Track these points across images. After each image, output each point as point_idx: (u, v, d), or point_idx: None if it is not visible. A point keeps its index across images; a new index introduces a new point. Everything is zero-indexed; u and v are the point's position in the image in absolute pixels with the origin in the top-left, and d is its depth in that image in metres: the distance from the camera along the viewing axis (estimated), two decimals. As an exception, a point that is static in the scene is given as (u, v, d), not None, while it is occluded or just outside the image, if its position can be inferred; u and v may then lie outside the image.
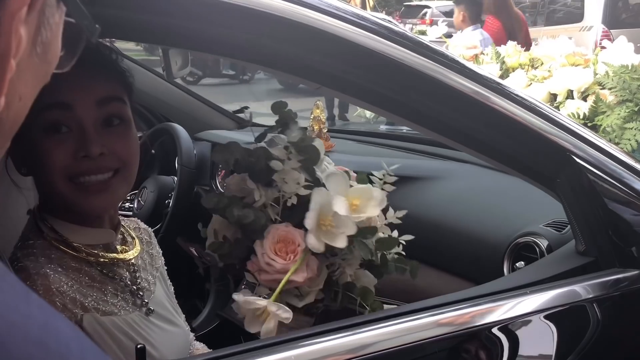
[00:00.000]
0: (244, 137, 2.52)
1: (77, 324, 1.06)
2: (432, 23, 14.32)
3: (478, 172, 1.90)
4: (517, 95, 1.20)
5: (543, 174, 1.26)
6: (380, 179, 1.27)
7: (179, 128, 2.23)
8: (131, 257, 1.21)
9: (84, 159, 1.08)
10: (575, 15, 8.88)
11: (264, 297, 1.10)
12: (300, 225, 1.13)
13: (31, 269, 1.05)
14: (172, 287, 1.38)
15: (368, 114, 2.90)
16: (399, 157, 2.15)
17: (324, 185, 1.17)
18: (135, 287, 1.20)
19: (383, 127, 2.92)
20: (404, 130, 2.76)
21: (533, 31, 8.68)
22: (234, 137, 2.52)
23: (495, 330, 1.12)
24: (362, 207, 1.14)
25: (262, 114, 2.81)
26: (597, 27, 7.97)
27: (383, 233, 1.21)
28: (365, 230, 1.16)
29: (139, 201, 2.29)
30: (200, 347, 1.44)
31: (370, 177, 1.28)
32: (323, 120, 2.02)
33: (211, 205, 1.11)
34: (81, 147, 1.07)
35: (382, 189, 1.23)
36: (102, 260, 1.15)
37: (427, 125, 1.23)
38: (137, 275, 1.22)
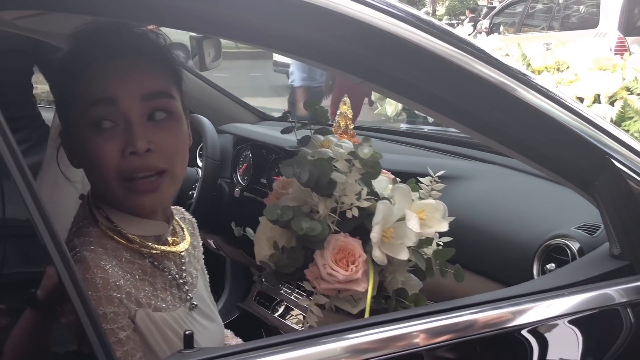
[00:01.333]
0: (265, 130, 2.53)
1: (131, 319, 1.06)
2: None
3: (504, 173, 1.90)
4: (556, 95, 1.20)
5: (579, 175, 1.26)
6: (428, 185, 1.28)
7: (205, 120, 2.25)
8: (182, 249, 1.20)
9: (131, 156, 1.06)
10: (590, 21, 8.86)
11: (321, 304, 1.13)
12: (353, 233, 1.13)
13: (90, 260, 1.04)
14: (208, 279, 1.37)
15: (389, 112, 2.90)
16: (424, 155, 2.15)
17: (375, 194, 1.17)
18: (181, 281, 1.19)
19: (403, 126, 2.91)
20: (426, 130, 2.76)
21: (547, 36, 8.69)
22: (256, 130, 2.53)
23: (525, 333, 1.12)
24: (429, 220, 1.15)
25: (270, 109, 2.82)
26: (612, 34, 7.95)
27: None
28: (423, 242, 1.17)
29: (161, 192, 2.29)
30: (229, 334, 1.44)
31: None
32: (350, 116, 2.01)
33: (274, 217, 1.09)
34: (128, 143, 1.05)
35: (430, 196, 1.24)
36: (154, 252, 1.14)
37: (460, 119, 1.23)
38: (184, 268, 1.21)
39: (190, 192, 2.26)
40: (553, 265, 1.44)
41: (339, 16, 1.02)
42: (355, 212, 1.12)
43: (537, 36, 8.85)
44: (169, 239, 1.19)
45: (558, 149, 1.23)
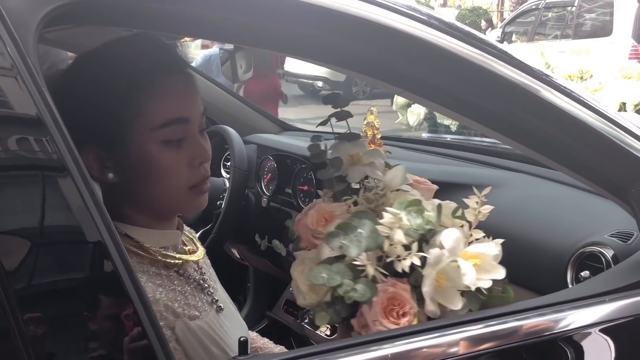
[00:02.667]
0: (289, 140, 2.56)
1: (172, 331, 1.08)
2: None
3: (533, 182, 1.91)
4: (590, 101, 1.22)
5: (615, 183, 1.27)
6: (475, 208, 1.16)
7: (231, 131, 2.27)
8: (201, 256, 1.23)
9: (201, 166, 1.13)
10: (604, 29, 8.88)
11: None
12: (396, 273, 1.06)
13: None
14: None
15: (411, 121, 2.93)
16: (451, 164, 2.16)
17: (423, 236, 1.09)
18: (206, 285, 1.21)
19: (425, 135, 2.93)
20: (448, 139, 2.78)
21: (561, 44, 8.71)
22: (280, 140, 2.56)
23: (563, 341, 1.13)
24: (484, 266, 1.06)
25: (286, 119, 2.83)
26: (626, 42, 7.96)
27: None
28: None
29: (189, 201, 2.32)
30: (254, 336, 1.46)
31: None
32: (377, 126, 2.03)
33: (320, 282, 1.02)
34: (197, 155, 1.13)
35: (478, 219, 1.15)
36: (176, 262, 1.16)
37: (489, 124, 1.25)
38: (204, 272, 1.24)
39: (218, 202, 2.28)
40: (587, 272, 1.45)
41: (364, 21, 1.04)
42: (406, 268, 1.03)
43: (551, 44, 8.86)
44: (186, 247, 1.22)
45: (593, 156, 1.24)
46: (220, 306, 1.22)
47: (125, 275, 0.76)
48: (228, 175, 2.48)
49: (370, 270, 1.03)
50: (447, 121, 2.75)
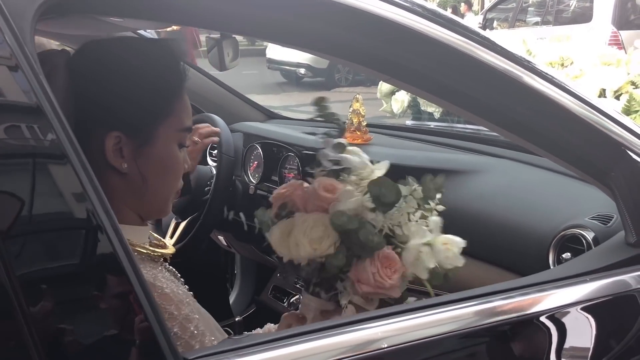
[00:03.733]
0: (275, 128, 2.58)
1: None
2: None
3: (515, 167, 1.95)
4: (570, 87, 1.25)
5: (595, 166, 1.31)
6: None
7: (217, 118, 2.28)
8: (173, 250, 1.26)
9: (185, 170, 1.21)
10: (584, 15, 8.93)
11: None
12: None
13: (147, 279, 1.02)
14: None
15: (395, 109, 2.95)
16: (431, 150, 2.20)
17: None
18: (179, 275, 1.25)
19: (409, 122, 2.96)
20: (432, 126, 2.82)
21: (541, 30, 8.76)
22: (265, 128, 2.58)
23: (544, 320, 1.17)
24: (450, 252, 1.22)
25: (269, 106, 2.85)
26: (606, 28, 8.02)
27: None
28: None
29: (175, 190, 2.33)
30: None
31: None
32: (363, 113, 2.07)
33: (340, 223, 1.14)
34: (186, 162, 1.20)
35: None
36: (159, 255, 1.19)
37: (471, 108, 1.27)
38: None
39: (206, 189, 2.29)
40: (569, 254, 1.49)
41: (347, 8, 1.07)
42: (408, 231, 1.17)
43: (531, 31, 8.90)
44: (156, 242, 1.25)
45: (575, 141, 1.28)
46: (192, 293, 1.24)
47: (127, 262, 0.79)
48: (214, 163, 2.50)
49: (381, 226, 1.16)
50: (430, 108, 2.78)
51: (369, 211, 1.17)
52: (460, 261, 1.21)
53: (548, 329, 1.18)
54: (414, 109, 2.94)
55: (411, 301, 1.19)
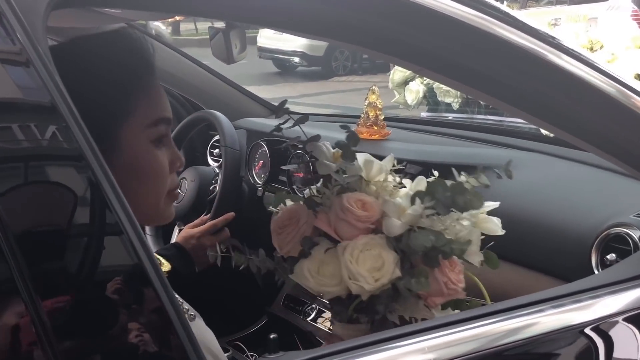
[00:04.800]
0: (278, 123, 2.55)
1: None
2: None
3: (547, 161, 1.94)
4: (615, 73, 1.24)
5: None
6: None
7: (218, 114, 2.27)
8: (169, 267, 1.27)
9: (176, 170, 1.17)
10: (600, -7, 8.90)
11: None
12: None
13: None
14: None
15: (409, 100, 2.93)
16: (453, 144, 2.18)
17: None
18: (175, 295, 1.24)
19: (424, 114, 2.95)
20: (450, 117, 2.80)
21: (556, 10, 8.70)
22: (271, 123, 2.55)
23: (588, 331, 1.15)
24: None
25: (267, 99, 2.83)
26: (626, 6, 7.99)
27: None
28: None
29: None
30: None
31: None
32: (380, 106, 2.05)
33: (424, 243, 1.10)
34: (175, 159, 1.15)
35: None
36: None
37: (505, 98, 1.26)
38: None
39: (211, 187, 2.27)
40: (614, 255, 1.48)
41: None
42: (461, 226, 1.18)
43: (544, 11, 8.86)
44: None
45: (619, 130, 1.26)
46: (192, 315, 1.24)
47: (149, 265, 0.78)
48: (217, 163, 2.48)
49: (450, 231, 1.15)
50: (448, 99, 2.76)
51: (425, 219, 1.13)
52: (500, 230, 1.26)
53: (594, 341, 1.16)
54: (430, 99, 2.91)
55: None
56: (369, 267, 1.09)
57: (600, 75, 1.21)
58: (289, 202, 1.25)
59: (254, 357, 2.02)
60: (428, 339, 1.00)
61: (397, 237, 1.11)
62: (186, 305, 1.24)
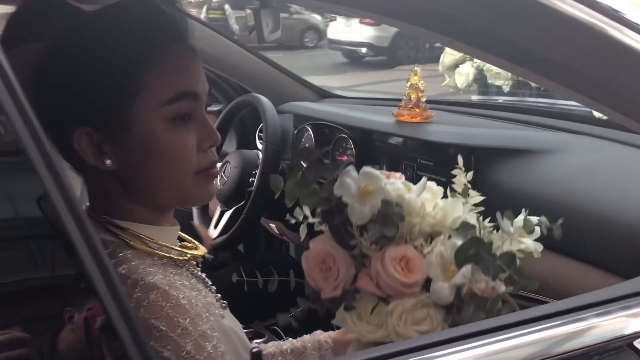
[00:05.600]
0: (327, 108, 2.36)
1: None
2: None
3: (599, 144, 1.68)
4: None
5: None
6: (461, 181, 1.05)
7: (264, 101, 2.09)
8: (205, 250, 1.08)
9: (210, 149, 1.00)
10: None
11: None
12: None
13: (161, 284, 0.88)
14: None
15: (459, 83, 2.70)
16: (501, 127, 1.94)
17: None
18: (208, 282, 1.06)
19: (474, 98, 2.70)
20: (500, 100, 2.55)
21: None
22: (317, 108, 2.36)
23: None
24: None
25: (333, 87, 2.66)
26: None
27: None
28: None
29: (221, 177, 2.16)
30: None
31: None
32: (422, 88, 1.82)
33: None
34: (207, 137, 0.99)
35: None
36: (186, 258, 1.00)
37: (563, 80, 1.02)
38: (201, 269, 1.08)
39: (250, 179, 2.11)
40: (671, 248, 1.24)
41: None
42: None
43: None
44: (186, 243, 1.06)
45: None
46: (224, 304, 1.07)
47: (96, 272, 0.59)
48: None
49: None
50: (499, 81, 2.52)
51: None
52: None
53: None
54: (480, 82, 2.67)
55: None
56: (417, 328, 0.94)
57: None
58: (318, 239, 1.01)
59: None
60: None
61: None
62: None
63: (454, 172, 1.04)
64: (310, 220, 0.98)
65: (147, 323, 0.83)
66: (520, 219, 0.99)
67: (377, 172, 0.95)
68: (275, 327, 1.92)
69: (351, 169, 0.94)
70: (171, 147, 0.94)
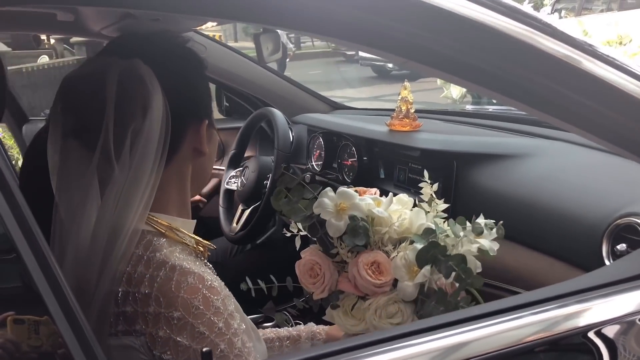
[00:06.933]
0: (335, 119, 2.32)
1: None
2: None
3: (568, 149, 1.60)
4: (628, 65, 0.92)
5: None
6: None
7: (277, 113, 2.07)
8: (213, 246, 1.04)
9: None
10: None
11: None
12: None
13: (195, 269, 0.86)
14: None
15: (455, 95, 2.63)
16: (488, 135, 1.87)
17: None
18: (214, 271, 1.02)
19: (469, 107, 2.62)
20: (490, 110, 2.47)
21: (607, 17, 8.01)
22: (326, 119, 2.33)
23: (592, 335, 0.85)
24: None
25: (357, 98, 2.62)
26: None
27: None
28: None
29: (242, 180, 2.14)
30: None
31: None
32: (411, 100, 1.77)
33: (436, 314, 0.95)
34: None
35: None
36: (202, 249, 0.98)
37: (525, 100, 0.96)
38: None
39: (265, 182, 2.09)
40: (624, 245, 1.16)
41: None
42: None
43: (597, 18, 8.17)
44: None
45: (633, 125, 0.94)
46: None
47: (44, 285, 0.56)
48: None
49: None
50: (487, 93, 2.45)
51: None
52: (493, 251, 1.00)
53: (596, 346, 0.86)
54: (473, 93, 2.60)
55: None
56: (391, 320, 0.98)
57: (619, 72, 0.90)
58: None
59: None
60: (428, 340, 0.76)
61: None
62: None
63: (420, 184, 1.08)
64: (302, 232, 1.08)
65: (187, 302, 0.82)
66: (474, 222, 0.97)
67: (351, 191, 1.01)
68: (285, 313, 1.88)
69: (328, 190, 1.01)
70: (216, 142, 1.03)
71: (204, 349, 0.65)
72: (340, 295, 1.03)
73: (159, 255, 0.86)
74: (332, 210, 0.98)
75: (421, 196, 1.06)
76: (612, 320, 0.86)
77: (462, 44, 0.84)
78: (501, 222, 0.99)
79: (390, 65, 13.30)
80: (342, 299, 1.03)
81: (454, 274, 0.92)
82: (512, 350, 0.79)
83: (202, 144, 0.97)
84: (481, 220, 0.98)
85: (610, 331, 0.87)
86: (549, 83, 0.87)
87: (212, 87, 2.55)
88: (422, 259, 0.94)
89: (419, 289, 0.97)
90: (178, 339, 0.80)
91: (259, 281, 1.14)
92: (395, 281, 1.00)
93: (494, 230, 1.01)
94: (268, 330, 1.26)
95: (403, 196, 1.06)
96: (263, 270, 1.30)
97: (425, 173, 1.06)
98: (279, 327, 1.51)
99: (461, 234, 0.95)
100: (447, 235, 0.97)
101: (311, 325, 1.27)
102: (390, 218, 1.00)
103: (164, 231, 0.91)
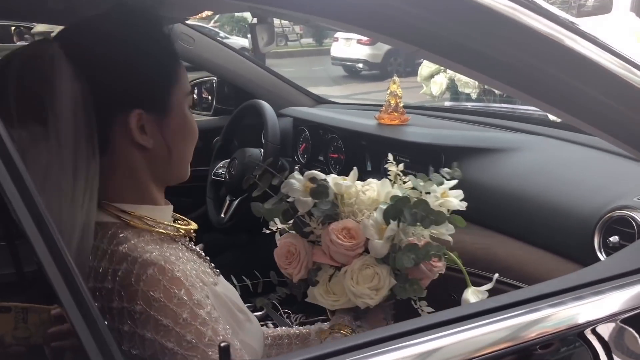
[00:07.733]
0: (321, 112, 2.26)
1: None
2: None
3: (553, 144, 1.57)
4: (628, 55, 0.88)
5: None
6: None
7: (266, 106, 1.99)
8: (196, 226, 0.99)
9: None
10: (604, 7, 8.17)
11: None
12: None
13: (157, 260, 0.80)
14: None
15: (434, 91, 2.59)
16: (468, 129, 1.83)
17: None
18: (202, 254, 0.98)
19: (447, 104, 2.58)
20: (469, 106, 2.44)
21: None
22: (313, 112, 2.26)
23: (588, 333, 0.79)
24: None
25: (331, 96, 2.57)
26: (627, 17, 7.28)
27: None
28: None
29: (229, 171, 2.06)
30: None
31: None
32: (400, 95, 1.72)
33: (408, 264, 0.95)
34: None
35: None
36: (181, 233, 0.92)
37: (514, 83, 0.91)
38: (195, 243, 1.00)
39: (253, 173, 2.01)
40: (616, 237, 1.13)
41: None
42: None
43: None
44: (179, 221, 0.97)
45: (628, 113, 0.90)
46: (217, 272, 0.99)
47: (55, 270, 0.49)
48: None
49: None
50: (467, 90, 2.43)
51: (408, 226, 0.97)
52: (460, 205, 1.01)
53: (592, 345, 0.80)
54: (452, 90, 2.56)
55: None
56: (369, 285, 0.96)
57: (612, 57, 0.85)
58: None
59: (286, 315, 1.74)
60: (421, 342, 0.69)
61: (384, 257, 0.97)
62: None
63: (386, 165, 1.09)
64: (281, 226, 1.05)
65: (147, 295, 0.77)
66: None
67: (318, 172, 1.02)
68: (273, 301, 1.82)
69: (295, 173, 1.02)
70: (194, 128, 0.94)
71: (222, 344, 0.58)
72: (318, 273, 1.02)
73: (121, 249, 0.82)
74: (299, 188, 0.99)
75: (388, 176, 1.06)
76: (607, 317, 0.81)
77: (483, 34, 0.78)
78: (455, 163, 1.05)
79: (360, 65, 13.30)
80: (319, 276, 1.01)
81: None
82: (511, 350, 0.74)
83: (135, 137, 0.87)
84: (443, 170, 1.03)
85: (607, 329, 0.82)
86: (565, 77, 0.82)
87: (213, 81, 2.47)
88: (388, 214, 0.95)
89: (391, 247, 0.97)
90: (142, 333, 0.76)
91: (244, 277, 1.12)
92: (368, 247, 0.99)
93: (456, 174, 1.03)
94: (279, 328, 1.21)
95: (373, 179, 1.06)
96: (248, 267, 1.25)
97: (390, 156, 1.08)
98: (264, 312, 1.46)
99: (421, 183, 0.98)
100: (409, 189, 1.00)
101: (320, 324, 1.22)
102: (355, 186, 1.01)
103: (128, 220, 0.86)
